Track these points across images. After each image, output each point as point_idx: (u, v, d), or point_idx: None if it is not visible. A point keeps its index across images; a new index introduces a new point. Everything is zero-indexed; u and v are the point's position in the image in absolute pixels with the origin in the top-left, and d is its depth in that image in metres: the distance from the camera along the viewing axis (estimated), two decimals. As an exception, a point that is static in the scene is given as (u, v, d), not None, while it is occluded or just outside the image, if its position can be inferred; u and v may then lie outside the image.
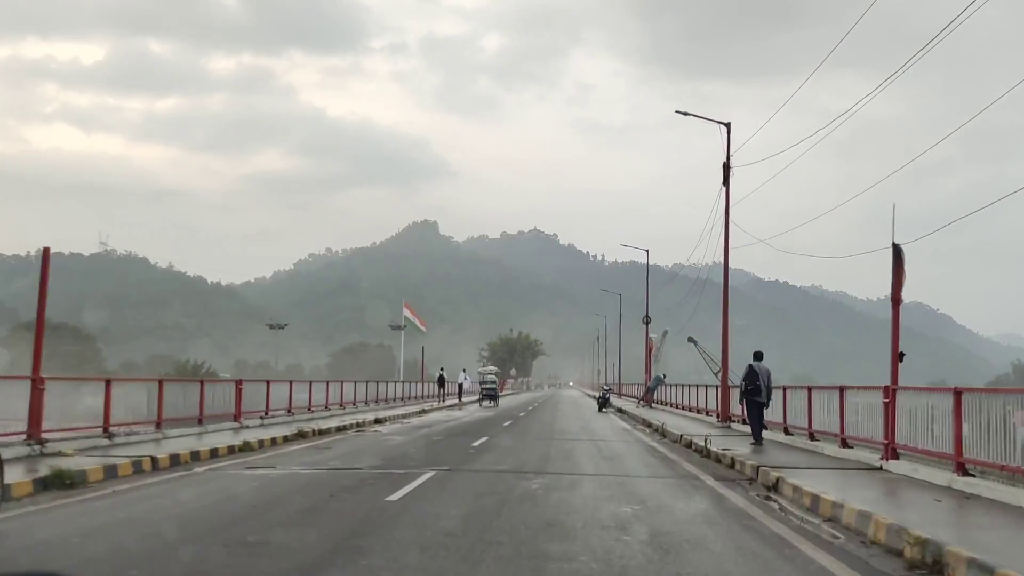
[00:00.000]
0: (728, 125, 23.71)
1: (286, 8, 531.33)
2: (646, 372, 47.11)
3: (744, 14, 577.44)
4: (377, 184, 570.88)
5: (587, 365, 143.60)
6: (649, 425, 24.91)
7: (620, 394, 61.41)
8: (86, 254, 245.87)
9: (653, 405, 37.83)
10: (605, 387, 43.54)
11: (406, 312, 59.26)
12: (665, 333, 60.65)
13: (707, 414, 27.32)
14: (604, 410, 37.09)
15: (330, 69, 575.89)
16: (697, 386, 31.49)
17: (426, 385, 47.15)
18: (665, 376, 39.44)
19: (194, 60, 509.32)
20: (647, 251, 50.04)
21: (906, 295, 14.61)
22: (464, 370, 49.48)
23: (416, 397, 43.06)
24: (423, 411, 32.39)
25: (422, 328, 62.84)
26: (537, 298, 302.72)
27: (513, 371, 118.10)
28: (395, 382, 42.37)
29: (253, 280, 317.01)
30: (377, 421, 24.76)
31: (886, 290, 14.62)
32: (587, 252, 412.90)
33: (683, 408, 32.61)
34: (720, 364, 26.79)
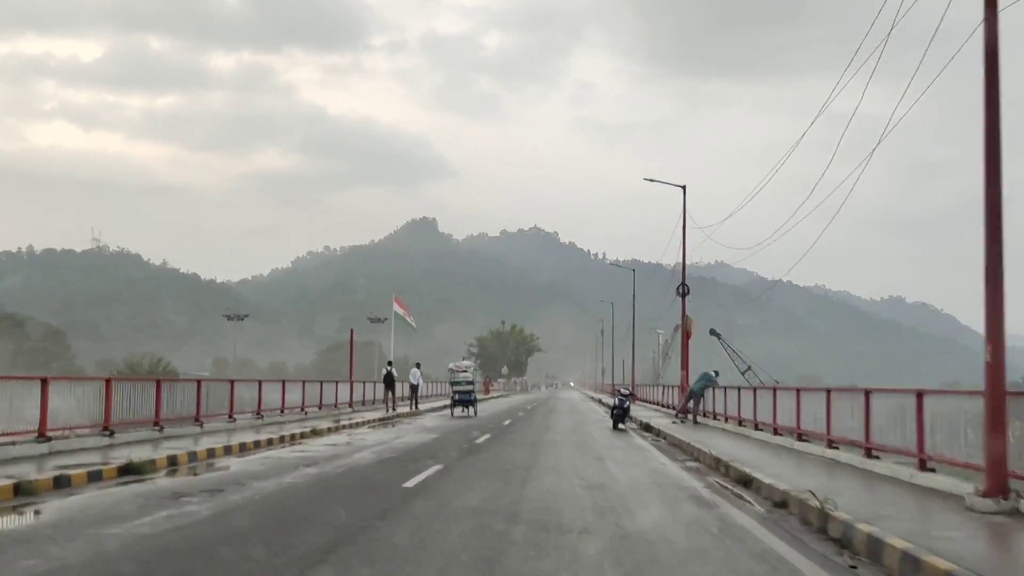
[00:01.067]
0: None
1: (286, 5, 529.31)
2: (683, 368, 32.77)
3: (744, 13, 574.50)
4: (377, 182, 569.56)
5: (589, 363, 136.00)
6: (747, 483, 11.48)
7: (636, 398, 54.45)
8: (78, 250, 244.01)
9: (699, 420, 25.92)
10: (623, 391, 28.23)
11: (396, 307, 56.20)
12: (676, 328, 53.42)
13: (868, 452, 12.94)
14: (622, 426, 25.50)
15: (330, 67, 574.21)
16: (827, 392, 15.16)
17: (373, 387, 36.81)
18: (718, 374, 26.93)
19: (194, 57, 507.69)
20: (684, 187, 33.56)
21: (911, 296, 11.21)
22: (417, 365, 35.79)
23: (341, 404, 31.27)
24: (312, 432, 20.28)
25: (412, 324, 59.90)
26: (537, 296, 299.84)
27: (505, 369, 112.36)
28: (318, 382, 30.38)
29: (251, 278, 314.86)
30: (170, 465, 13.25)
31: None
32: (588, 250, 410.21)
33: (767, 429, 18.86)
34: (747, 362, 20.70)
